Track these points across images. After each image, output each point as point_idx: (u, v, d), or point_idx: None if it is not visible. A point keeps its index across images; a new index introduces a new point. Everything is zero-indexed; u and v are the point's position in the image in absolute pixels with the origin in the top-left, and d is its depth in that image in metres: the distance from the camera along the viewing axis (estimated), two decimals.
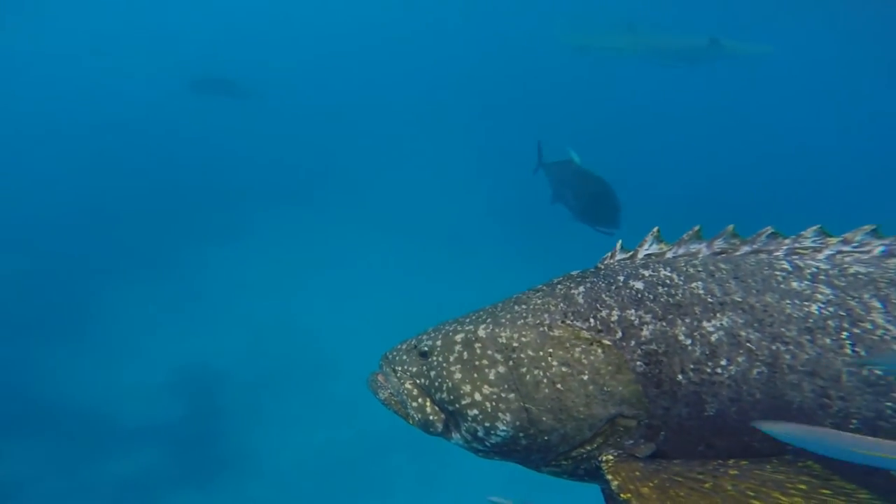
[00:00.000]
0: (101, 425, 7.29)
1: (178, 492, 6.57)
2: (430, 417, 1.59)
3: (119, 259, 9.91)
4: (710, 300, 1.42)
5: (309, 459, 7.08)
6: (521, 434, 1.45)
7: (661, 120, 18.25)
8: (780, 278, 1.44)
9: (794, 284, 1.42)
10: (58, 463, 6.77)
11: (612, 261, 1.65)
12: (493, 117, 17.14)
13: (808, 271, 1.45)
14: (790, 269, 1.47)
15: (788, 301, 1.39)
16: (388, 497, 6.80)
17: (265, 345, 8.51)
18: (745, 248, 1.56)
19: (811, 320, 1.36)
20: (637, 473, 1.33)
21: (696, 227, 1.61)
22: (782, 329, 1.36)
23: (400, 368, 1.68)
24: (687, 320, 1.40)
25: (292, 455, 7.10)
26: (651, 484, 1.29)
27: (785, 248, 1.54)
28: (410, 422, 1.64)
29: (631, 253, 1.65)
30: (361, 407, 7.67)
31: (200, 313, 9.05)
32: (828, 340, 1.34)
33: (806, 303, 1.38)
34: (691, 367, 1.37)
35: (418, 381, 1.63)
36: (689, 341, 1.39)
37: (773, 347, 1.35)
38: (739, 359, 1.35)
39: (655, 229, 1.65)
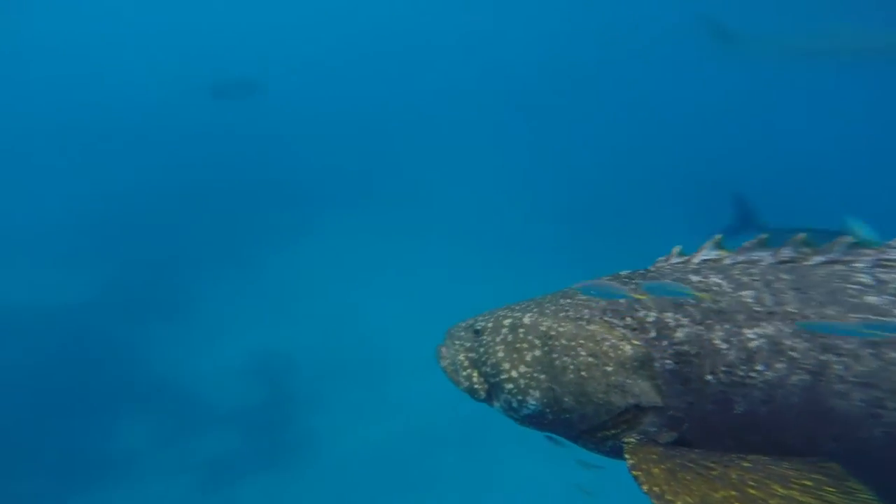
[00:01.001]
0: (192, 405, 8.15)
1: (253, 475, 7.22)
2: (475, 386, 1.84)
3: (209, 253, 10.83)
4: (757, 309, 1.47)
5: (366, 452, 7.47)
6: (547, 410, 1.64)
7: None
8: (853, 292, 1.44)
9: (871, 299, 1.41)
10: (159, 439, 7.55)
11: (664, 264, 1.76)
12: (551, 120, 17.05)
13: (894, 286, 1.43)
14: (870, 282, 1.45)
15: (856, 315, 1.40)
16: (439, 495, 7.06)
17: (329, 338, 9.02)
18: (818, 259, 1.56)
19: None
20: (653, 456, 1.44)
21: (763, 236, 1.66)
22: (838, 341, 1.37)
23: (458, 342, 1.96)
24: (726, 326, 1.47)
25: (350, 446, 7.53)
26: (662, 466, 1.38)
27: (868, 259, 1.51)
28: (459, 387, 1.90)
29: (686, 258, 1.73)
30: (415, 404, 7.96)
31: (274, 305, 9.74)
32: (894, 355, 1.34)
33: (880, 318, 1.37)
34: (723, 369, 1.44)
35: (470, 355, 1.89)
36: (724, 346, 1.46)
37: (823, 358, 1.37)
38: (778, 365, 1.40)
39: (717, 236, 1.72)
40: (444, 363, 1.97)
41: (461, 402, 2.21)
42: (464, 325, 2.01)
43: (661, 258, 1.79)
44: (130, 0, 24.68)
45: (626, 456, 1.48)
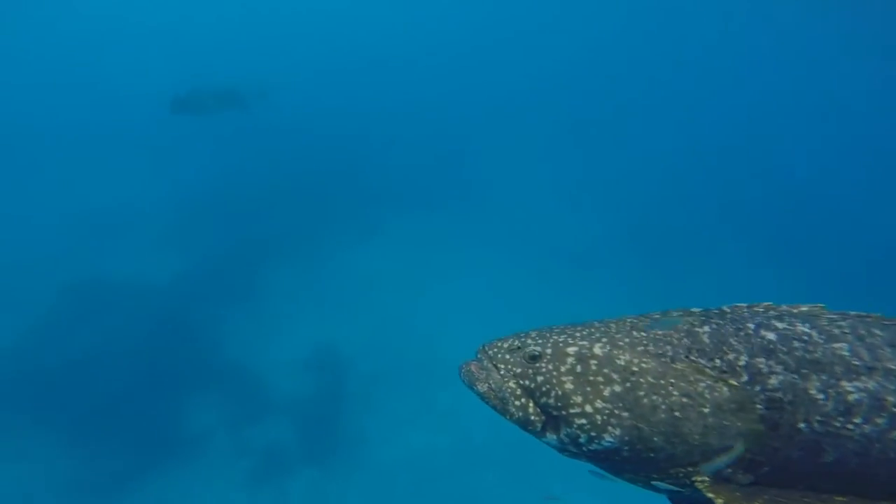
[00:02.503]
0: (255, 391, 8.73)
1: (302, 469, 7.55)
2: (532, 418, 1.72)
3: (282, 244, 11.42)
4: (855, 363, 1.49)
5: (410, 459, 7.62)
6: (625, 448, 1.58)
7: None
8: None
9: None
10: (224, 421, 8.18)
11: (739, 306, 1.72)
12: (631, 133, 16.40)
13: None
14: None
15: None
16: None
17: (386, 339, 9.21)
18: None
19: None
20: (738, 494, 1.47)
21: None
22: None
23: (503, 367, 1.79)
24: (823, 377, 1.48)
25: (396, 452, 7.71)
26: (758, 501, 1.42)
27: None
28: (508, 417, 1.76)
29: (770, 307, 1.69)
30: (462, 416, 7.98)
31: (337, 301, 10.10)
32: None
33: None
34: (818, 418, 1.46)
35: (522, 383, 1.74)
36: (821, 396, 1.47)
37: None
38: (879, 420, 1.43)
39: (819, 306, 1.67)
40: (482, 388, 1.80)
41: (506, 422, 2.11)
42: (506, 345, 1.84)
43: (740, 304, 1.73)
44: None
45: (710, 495, 1.50)
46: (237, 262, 11.09)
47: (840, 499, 1.37)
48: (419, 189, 13.12)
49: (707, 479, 1.52)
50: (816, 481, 1.47)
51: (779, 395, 1.48)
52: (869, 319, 1.59)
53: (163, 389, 8.68)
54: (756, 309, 1.69)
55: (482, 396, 1.80)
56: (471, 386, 1.82)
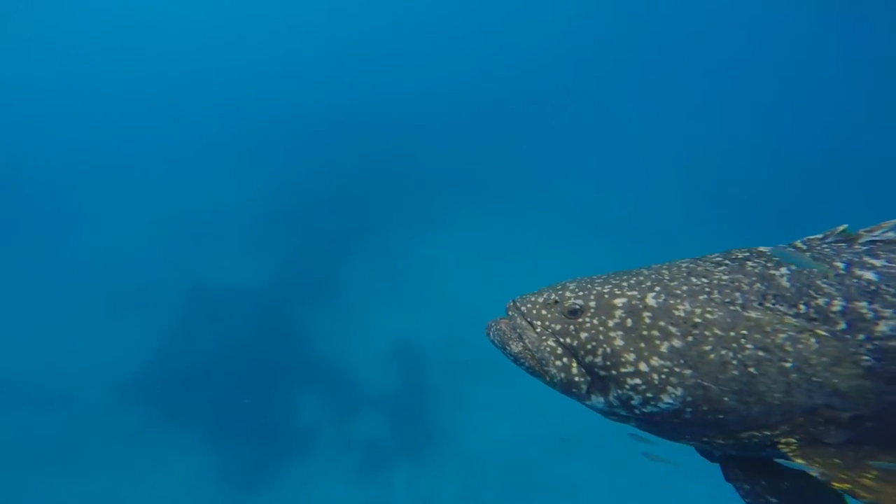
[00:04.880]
0: (348, 386, 9.45)
1: (399, 460, 8.29)
2: (576, 379, 1.55)
3: (349, 242, 11.80)
4: None
5: (499, 450, 8.05)
6: (688, 409, 1.41)
7: None
8: None
9: None
10: (326, 417, 9.08)
11: (819, 243, 1.51)
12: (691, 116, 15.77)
13: None
14: None
15: None
16: (573, 501, 7.36)
17: (459, 331, 9.43)
18: None
19: None
20: (837, 461, 1.30)
21: None
22: None
23: (539, 323, 1.62)
24: None
25: (484, 443, 8.15)
26: (870, 475, 1.27)
27: None
28: (548, 378, 1.60)
29: (850, 236, 1.49)
30: (544, 404, 8.19)
31: (408, 293, 10.42)
32: None
33: None
34: None
35: (563, 340, 1.57)
36: None
37: None
38: None
39: None
40: (517, 348, 1.62)
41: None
42: (541, 300, 1.64)
43: (814, 236, 1.53)
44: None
45: (800, 461, 1.33)
46: (316, 260, 11.71)
47: None
48: (480, 179, 12.85)
49: (794, 440, 1.35)
50: None
51: (892, 343, 1.29)
52: None
53: (273, 387, 9.75)
54: (838, 243, 1.47)
55: (516, 358, 1.62)
56: (503, 346, 1.64)
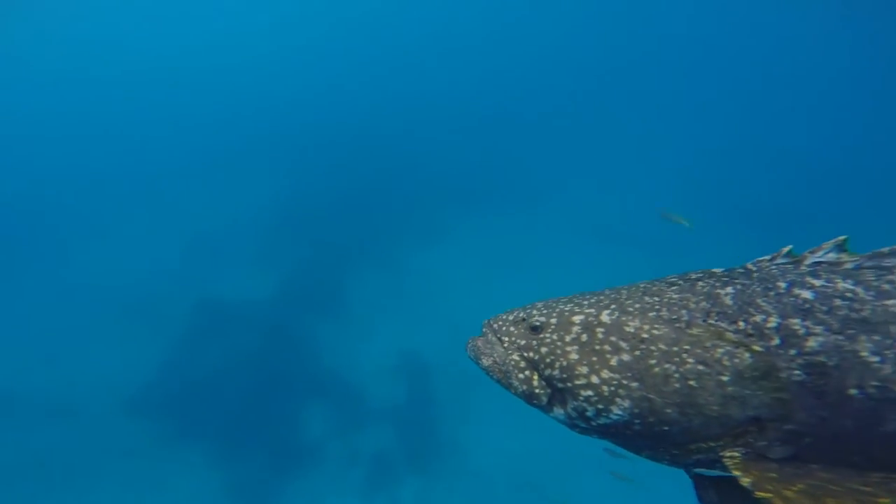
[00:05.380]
0: (354, 399, 9.37)
1: (409, 474, 8.20)
2: (537, 391, 1.64)
3: (353, 255, 11.86)
4: None
5: (507, 464, 7.97)
6: (636, 421, 1.49)
7: None
8: None
9: None
10: (332, 430, 9.01)
11: (767, 264, 1.57)
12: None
13: None
14: None
15: None
16: None
17: (464, 343, 9.45)
18: None
19: None
20: (772, 475, 1.34)
21: None
22: None
23: (507, 339, 1.73)
24: (876, 338, 1.34)
25: (492, 457, 8.08)
26: (795, 488, 1.28)
27: None
28: (513, 391, 1.70)
29: (795, 258, 1.54)
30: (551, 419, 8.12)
31: (413, 306, 10.42)
32: None
33: None
34: (874, 384, 1.32)
35: (526, 355, 1.67)
36: (875, 359, 1.33)
37: None
38: None
39: (842, 238, 1.51)
40: (487, 362, 1.75)
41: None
42: (511, 318, 1.77)
43: (763, 258, 1.58)
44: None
45: (738, 473, 1.37)
46: (322, 273, 11.74)
47: None
48: (484, 192, 12.92)
49: (737, 454, 1.40)
50: (871, 452, 1.33)
51: (821, 358, 1.34)
52: None
53: (279, 400, 9.70)
54: (784, 265, 1.52)
55: (487, 371, 1.74)
56: (476, 361, 1.76)
